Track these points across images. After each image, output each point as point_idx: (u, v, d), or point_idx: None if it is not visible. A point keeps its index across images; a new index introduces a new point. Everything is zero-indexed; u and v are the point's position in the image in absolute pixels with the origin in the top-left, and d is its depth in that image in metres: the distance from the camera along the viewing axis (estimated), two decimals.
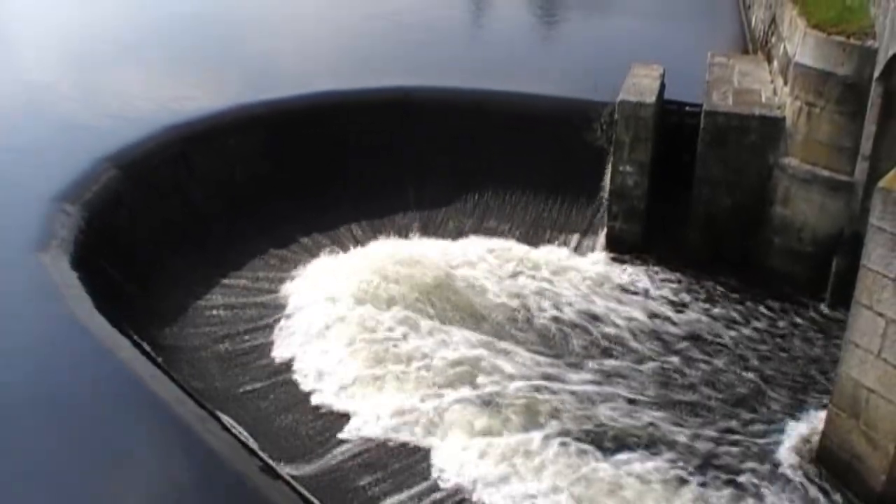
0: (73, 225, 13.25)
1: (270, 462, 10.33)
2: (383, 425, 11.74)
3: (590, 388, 12.56)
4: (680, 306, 14.70)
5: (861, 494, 10.42)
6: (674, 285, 15.24)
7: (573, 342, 13.74)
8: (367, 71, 20.01)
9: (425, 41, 23.45)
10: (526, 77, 19.54)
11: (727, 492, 10.74)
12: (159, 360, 11.63)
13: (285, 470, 10.65)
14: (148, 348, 11.71)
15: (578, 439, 11.41)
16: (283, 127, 17.47)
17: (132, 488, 9.03)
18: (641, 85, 16.02)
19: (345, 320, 13.64)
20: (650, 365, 13.21)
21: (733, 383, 12.82)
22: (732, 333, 13.99)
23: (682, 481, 10.86)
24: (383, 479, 10.96)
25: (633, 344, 13.72)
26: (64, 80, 19.81)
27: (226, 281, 15.14)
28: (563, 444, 11.29)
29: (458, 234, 16.92)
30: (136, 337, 11.69)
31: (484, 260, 15.74)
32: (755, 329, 14.10)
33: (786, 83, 14.86)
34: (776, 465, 11.18)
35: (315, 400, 12.37)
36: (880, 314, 9.74)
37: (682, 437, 11.63)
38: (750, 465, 11.17)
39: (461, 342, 13.27)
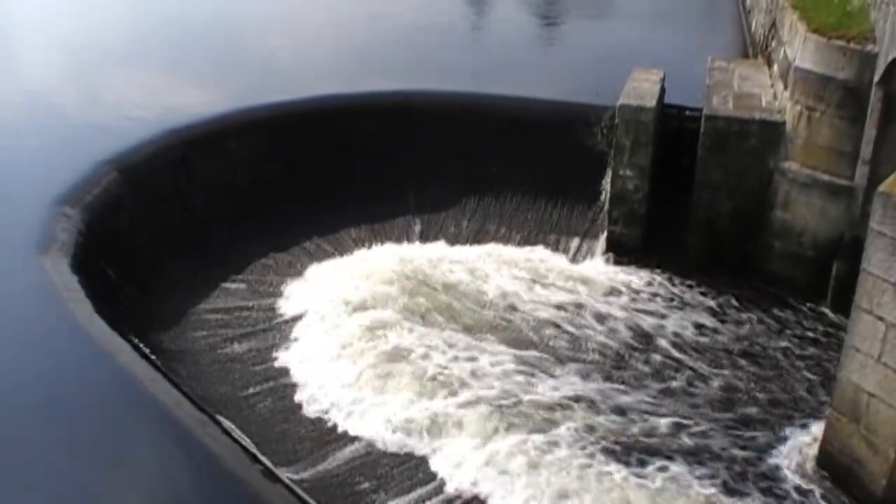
0: (73, 228, 13.25)
1: (270, 466, 10.31)
2: (384, 429, 11.74)
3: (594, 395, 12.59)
4: (679, 310, 14.69)
5: (862, 499, 10.40)
6: (673, 289, 15.23)
7: (574, 346, 13.73)
8: (368, 74, 20.01)
9: (426, 45, 23.46)
10: (526, 81, 19.54)
11: (727, 496, 10.72)
12: (159, 363, 11.61)
13: (285, 474, 10.64)
14: (148, 352, 11.70)
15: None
16: (284, 131, 17.48)
17: (132, 492, 9.02)
18: (642, 89, 16.03)
19: (345, 324, 13.65)
20: (650, 368, 13.22)
21: (735, 386, 12.83)
22: (732, 337, 13.98)
23: (682, 484, 10.85)
24: (384, 483, 10.95)
25: (634, 346, 13.72)
26: (65, 83, 19.83)
27: (226, 284, 15.15)
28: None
29: (458, 238, 16.93)
30: (135, 340, 11.69)
31: (484, 264, 15.73)
32: (755, 332, 14.09)
33: (786, 87, 14.86)
34: (775, 469, 11.16)
35: (315, 403, 12.36)
36: (880, 318, 9.73)
37: (681, 440, 11.63)
38: (748, 468, 11.15)
39: (461, 345, 13.27)
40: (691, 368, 13.24)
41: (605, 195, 16.23)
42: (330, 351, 13.21)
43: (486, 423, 11.62)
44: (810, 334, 13.98)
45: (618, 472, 10.96)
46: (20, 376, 10.28)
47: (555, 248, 16.65)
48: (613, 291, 15.21)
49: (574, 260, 16.30)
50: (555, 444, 11.30)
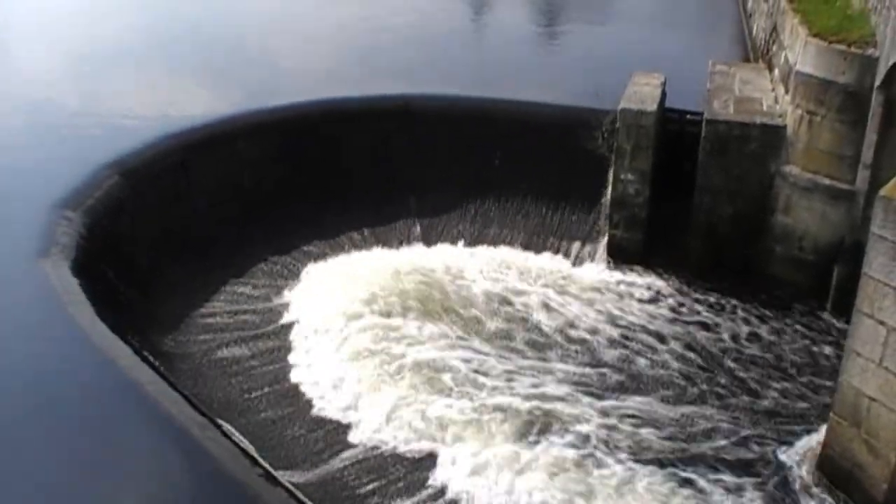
0: (74, 231, 13.25)
1: (271, 469, 10.30)
2: (386, 432, 11.76)
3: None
4: (679, 314, 14.69)
5: (863, 503, 10.40)
6: (673, 293, 15.23)
7: (576, 349, 13.73)
8: (371, 78, 20.02)
9: (428, 49, 23.47)
10: (527, 85, 19.53)
11: (728, 498, 10.72)
12: (160, 366, 11.61)
13: (286, 477, 10.63)
14: (148, 355, 11.70)
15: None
16: (286, 134, 17.47)
17: (132, 494, 9.01)
18: (643, 93, 16.04)
19: (346, 328, 13.66)
20: (651, 371, 13.22)
21: (736, 388, 12.83)
22: (732, 340, 13.99)
23: (682, 485, 10.85)
24: (386, 487, 10.95)
25: (635, 350, 13.71)
26: (66, 86, 19.83)
27: (227, 288, 15.14)
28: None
29: (459, 241, 16.90)
30: (136, 344, 11.68)
31: (484, 268, 15.73)
32: (756, 336, 14.09)
33: (787, 91, 14.87)
34: (775, 472, 11.15)
35: (316, 407, 12.38)
36: (881, 322, 9.73)
37: (680, 441, 11.62)
38: (748, 471, 11.15)
39: (463, 346, 13.29)
40: (690, 371, 13.24)
41: (606, 199, 16.23)
42: (332, 354, 13.22)
43: (487, 426, 11.62)
44: (811, 338, 13.98)
45: (613, 472, 11.02)
46: (21, 379, 10.28)
47: (556, 252, 16.64)
48: (614, 295, 15.20)
49: (575, 264, 16.28)
50: (544, 448, 11.32)
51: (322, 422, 12.12)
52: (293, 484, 10.55)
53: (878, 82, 12.87)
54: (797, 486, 10.95)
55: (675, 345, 13.92)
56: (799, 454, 11.45)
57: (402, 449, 11.57)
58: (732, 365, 13.43)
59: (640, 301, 15.07)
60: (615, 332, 14.19)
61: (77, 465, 9.25)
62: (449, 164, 17.72)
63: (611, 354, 13.66)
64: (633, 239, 16.00)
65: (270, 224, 16.49)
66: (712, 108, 15.44)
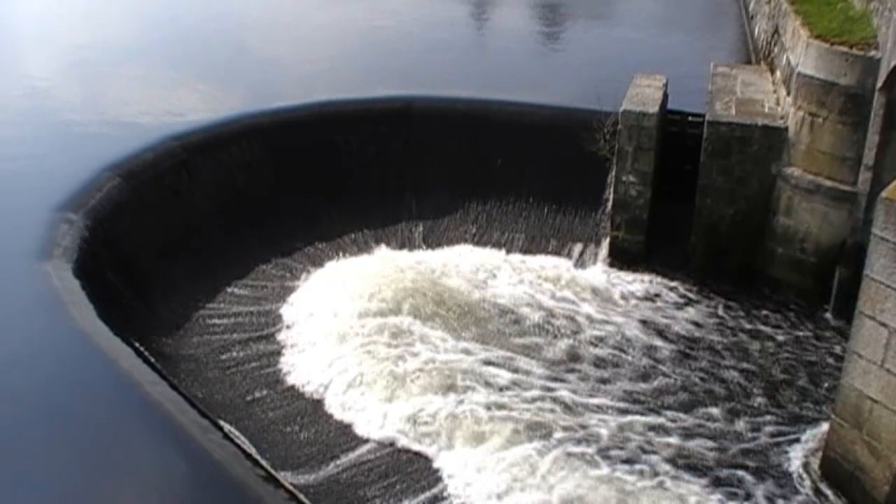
0: (76, 234, 13.25)
1: (273, 471, 10.30)
2: (387, 434, 11.76)
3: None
4: (680, 315, 14.70)
5: None
6: (675, 294, 15.24)
7: (578, 352, 13.73)
8: (370, 80, 20.04)
9: (427, 50, 23.49)
10: (528, 86, 19.55)
11: (728, 499, 10.71)
12: (161, 368, 11.61)
13: (287, 478, 10.63)
14: (150, 356, 11.70)
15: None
16: (286, 136, 17.49)
17: (133, 496, 9.01)
18: (644, 95, 16.05)
19: (347, 329, 13.65)
20: (652, 372, 13.23)
21: (737, 390, 12.83)
22: (734, 342, 13.99)
23: (683, 485, 10.84)
24: (389, 488, 10.94)
25: (636, 352, 13.71)
26: (67, 88, 19.85)
27: (228, 290, 15.14)
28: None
29: (460, 243, 16.91)
30: (138, 345, 11.68)
31: (486, 269, 15.73)
32: (757, 338, 14.09)
33: (788, 93, 14.87)
34: (779, 474, 11.15)
35: (317, 408, 12.38)
36: (883, 324, 9.73)
37: (682, 443, 11.63)
38: (750, 473, 11.14)
39: (462, 350, 13.29)
40: (690, 372, 13.24)
41: (608, 201, 16.24)
42: (332, 355, 13.21)
43: (489, 428, 11.62)
44: (812, 340, 13.97)
45: (609, 469, 11.03)
46: (22, 380, 10.27)
47: (557, 253, 16.65)
48: (615, 296, 15.20)
49: (577, 265, 16.29)
50: (546, 451, 11.30)
51: (324, 423, 12.12)
52: (295, 485, 10.54)
53: (879, 84, 12.87)
54: (799, 488, 10.91)
55: (674, 345, 13.91)
56: (800, 456, 11.42)
57: (404, 450, 11.55)
58: (732, 366, 13.41)
59: (641, 302, 15.06)
60: (615, 333, 14.19)
61: (78, 466, 9.25)
62: (450, 165, 17.74)
63: (610, 355, 13.65)
64: (635, 241, 16.01)
65: (272, 226, 16.51)
66: (714, 109, 15.44)
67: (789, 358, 13.62)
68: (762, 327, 14.38)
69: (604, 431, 11.79)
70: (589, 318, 14.55)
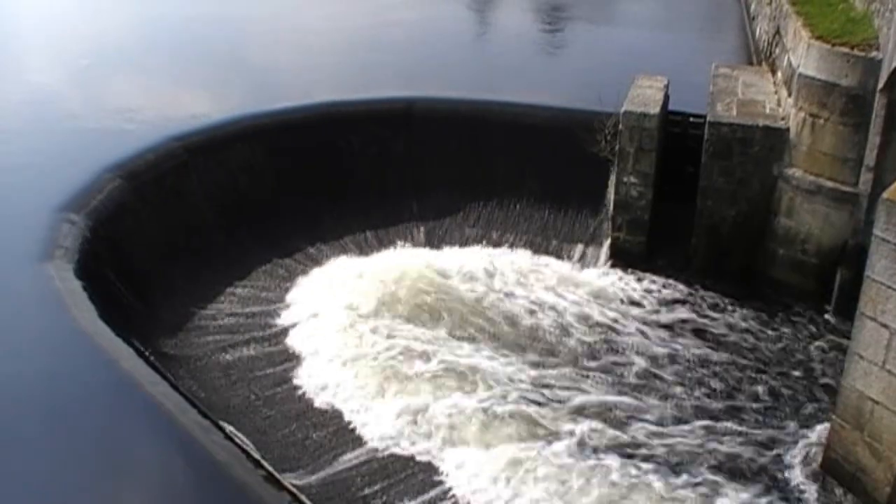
0: (77, 234, 13.27)
1: (274, 472, 10.31)
2: (388, 435, 11.75)
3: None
4: (681, 316, 14.70)
5: None
6: (676, 295, 15.23)
7: (574, 350, 13.74)
8: (371, 80, 20.05)
9: (429, 51, 23.50)
10: (530, 88, 19.57)
11: (731, 500, 10.71)
12: (162, 368, 11.62)
13: (289, 479, 10.63)
14: (151, 357, 11.71)
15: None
16: (288, 137, 17.50)
17: (134, 497, 9.02)
18: (645, 96, 16.05)
19: (348, 330, 13.67)
20: (651, 373, 13.22)
21: (737, 392, 12.83)
22: (735, 343, 13.99)
23: (684, 486, 10.85)
24: (390, 488, 10.94)
25: (638, 353, 13.72)
26: (68, 89, 19.87)
27: (230, 290, 15.15)
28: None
29: (461, 244, 16.92)
30: (139, 346, 11.70)
31: (486, 270, 15.72)
32: (758, 339, 14.09)
33: (790, 94, 14.87)
34: (780, 475, 11.14)
35: (319, 409, 12.38)
36: (884, 325, 9.73)
37: (683, 444, 11.62)
38: (751, 474, 11.15)
39: (465, 349, 13.31)
40: (690, 372, 13.24)
41: (609, 202, 16.24)
42: (333, 356, 13.23)
43: (491, 428, 11.62)
44: (813, 341, 13.97)
45: (618, 470, 11.02)
46: (24, 380, 10.29)
47: (558, 254, 16.65)
48: (616, 297, 15.20)
49: (578, 266, 16.28)
50: (557, 453, 11.30)
51: (325, 424, 12.12)
52: (296, 486, 10.55)
53: (880, 85, 12.87)
54: (800, 488, 10.91)
55: (673, 345, 13.91)
56: (802, 457, 11.42)
57: (406, 451, 11.56)
58: (733, 366, 13.41)
59: (641, 303, 15.06)
60: (615, 333, 14.20)
61: (79, 466, 9.26)
62: (451, 166, 17.74)
63: (610, 355, 13.66)
64: (636, 241, 16.00)
65: (273, 226, 16.51)
66: (715, 110, 15.44)
67: (789, 358, 13.61)
68: (763, 328, 14.36)
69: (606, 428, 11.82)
70: (588, 318, 14.54)
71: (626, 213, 15.88)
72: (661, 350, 13.81)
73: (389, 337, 13.50)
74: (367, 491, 10.97)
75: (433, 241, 17.01)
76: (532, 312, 14.60)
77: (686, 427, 12.05)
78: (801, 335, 14.15)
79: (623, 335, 14.17)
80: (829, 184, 14.07)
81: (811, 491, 10.84)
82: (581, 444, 11.51)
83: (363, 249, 16.58)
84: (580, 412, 12.17)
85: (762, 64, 19.51)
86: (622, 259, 16.05)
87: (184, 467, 9.56)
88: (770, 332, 14.26)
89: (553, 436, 11.64)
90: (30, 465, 9.09)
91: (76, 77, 20.85)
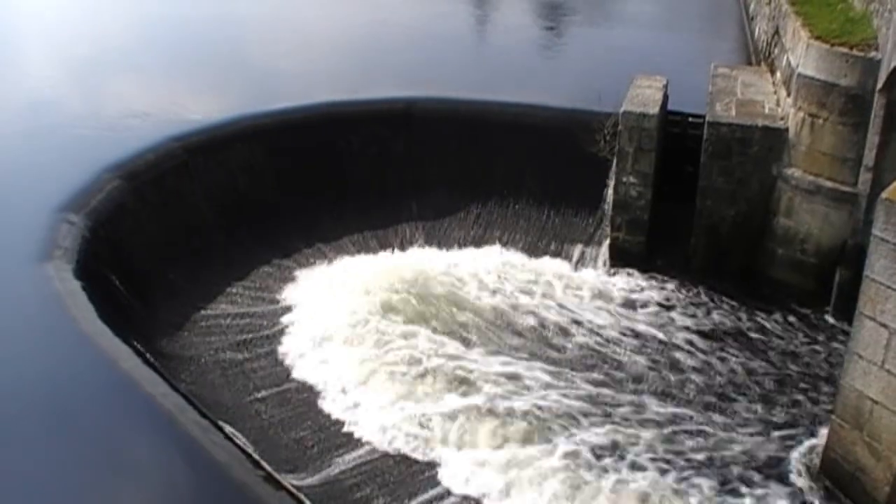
0: (76, 235, 13.26)
1: (273, 472, 10.30)
2: (388, 435, 11.75)
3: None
4: (680, 316, 14.70)
5: None
6: (675, 295, 15.24)
7: (574, 351, 13.74)
8: (371, 81, 20.05)
9: (428, 51, 23.50)
10: (529, 88, 19.56)
11: (727, 498, 10.71)
12: (162, 368, 11.62)
13: (289, 480, 10.63)
14: (151, 357, 11.71)
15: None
16: (287, 137, 17.49)
17: (134, 497, 9.02)
18: (645, 96, 16.05)
19: (348, 330, 13.65)
20: (650, 373, 13.23)
21: (737, 392, 12.83)
22: (735, 343, 14.00)
23: (684, 485, 10.86)
24: (389, 489, 10.94)
25: (640, 354, 13.72)
26: (67, 89, 19.87)
27: (229, 290, 15.15)
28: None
29: (461, 244, 16.92)
30: (139, 346, 11.69)
31: (486, 271, 15.73)
32: (758, 339, 14.10)
33: (789, 94, 14.88)
34: (779, 475, 11.15)
35: (318, 409, 12.37)
36: (884, 325, 9.73)
37: (684, 446, 11.62)
38: (752, 474, 11.15)
39: (465, 350, 13.30)
40: (690, 372, 13.26)
41: (608, 202, 16.24)
42: (333, 356, 13.22)
43: (490, 429, 11.63)
44: (813, 341, 13.98)
45: (611, 473, 11.01)
46: (23, 381, 10.29)
47: (557, 255, 16.65)
48: (616, 298, 15.20)
49: (577, 267, 16.30)
50: (550, 453, 11.30)
51: (325, 424, 12.12)
52: (296, 486, 10.54)
53: (879, 85, 12.88)
54: (799, 489, 10.91)
55: (672, 345, 13.92)
56: (802, 457, 11.42)
57: (405, 452, 11.56)
58: (732, 367, 13.41)
59: (640, 304, 15.06)
60: (614, 333, 14.21)
61: (78, 467, 9.26)
62: (450, 166, 17.75)
63: (609, 355, 13.65)
64: (636, 241, 16.00)
65: (272, 227, 16.51)
66: (714, 110, 15.45)
67: (789, 358, 13.61)
68: (763, 328, 14.38)
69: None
70: (587, 319, 14.55)
71: (626, 213, 15.88)
72: (660, 349, 13.82)
73: (390, 336, 13.49)
74: (366, 491, 10.96)
75: (432, 241, 17.00)
76: (530, 312, 14.60)
77: (684, 426, 12.04)
78: (800, 335, 14.15)
79: (622, 335, 14.17)
80: (829, 184, 14.08)
81: (810, 491, 10.84)
82: (581, 444, 11.52)
83: (363, 250, 16.58)
84: (580, 412, 12.18)
85: (761, 64, 19.52)
86: (621, 259, 16.05)
87: (183, 467, 9.56)
88: (769, 332, 14.27)
89: (555, 435, 11.65)
90: (29, 466, 9.09)
91: (75, 76, 20.85)
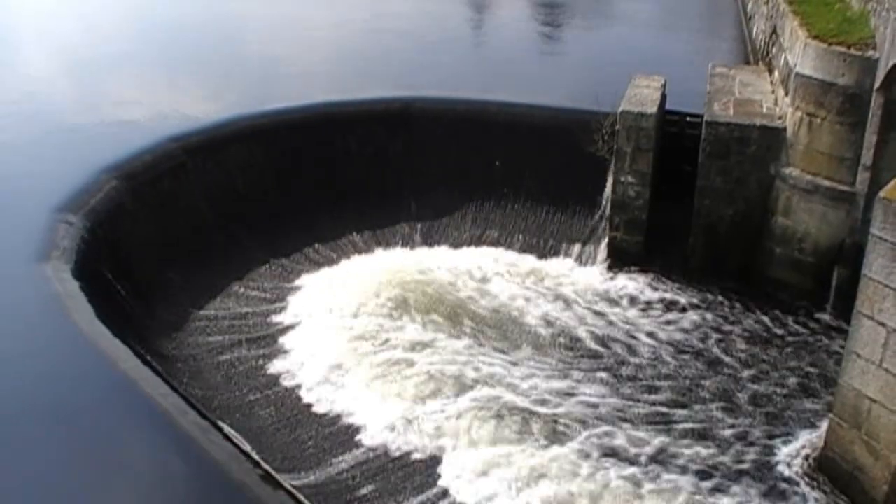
0: (75, 235, 13.25)
1: (272, 472, 10.30)
2: (387, 434, 11.76)
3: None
4: (680, 315, 14.72)
5: None
6: (674, 295, 15.25)
7: (574, 351, 13.76)
8: (369, 81, 20.06)
9: (426, 51, 23.51)
10: (527, 87, 19.57)
11: (727, 498, 10.71)
12: (160, 369, 11.62)
13: (287, 479, 10.63)
14: (149, 357, 11.71)
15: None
16: (285, 138, 17.50)
17: (133, 498, 9.02)
18: (643, 95, 16.06)
19: (347, 330, 13.67)
20: (650, 372, 13.23)
21: (736, 391, 12.83)
22: (733, 342, 14.00)
23: (680, 487, 10.86)
24: (388, 489, 10.95)
25: (641, 355, 13.73)
26: (66, 90, 19.87)
27: (228, 290, 15.16)
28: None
29: (459, 244, 16.94)
30: (137, 346, 11.69)
31: (485, 270, 15.74)
32: (756, 338, 14.11)
33: (787, 94, 14.89)
34: (777, 474, 11.15)
35: (317, 409, 12.38)
36: (882, 324, 9.74)
37: (684, 447, 11.63)
38: (751, 473, 11.16)
39: (464, 350, 13.30)
40: (690, 371, 13.27)
41: (607, 201, 16.25)
42: (332, 356, 13.23)
43: (489, 428, 11.63)
44: (811, 340, 13.98)
45: (617, 473, 11.01)
46: (22, 382, 10.28)
47: (556, 254, 16.67)
48: (615, 297, 15.22)
49: (575, 266, 16.30)
50: (554, 457, 11.30)
51: (324, 424, 12.12)
52: (294, 486, 10.54)
53: (877, 84, 12.88)
54: (796, 487, 10.92)
55: (673, 345, 13.92)
56: (799, 456, 11.43)
57: (404, 451, 11.57)
58: (731, 366, 13.42)
59: (640, 303, 15.08)
60: (614, 333, 14.21)
61: (77, 467, 9.25)
62: (449, 166, 17.76)
63: (609, 355, 13.66)
64: (634, 241, 16.01)
65: (270, 227, 16.51)
66: (712, 110, 15.46)
67: (788, 358, 13.62)
68: (761, 327, 14.39)
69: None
70: (586, 318, 14.56)
71: (624, 212, 15.89)
72: (659, 349, 13.82)
73: (389, 336, 13.50)
74: (365, 491, 10.97)
75: (431, 241, 17.03)
76: (530, 311, 14.61)
77: (683, 425, 12.06)
78: (798, 334, 14.15)
79: (621, 335, 14.18)
80: (826, 183, 14.09)
81: (808, 490, 10.84)
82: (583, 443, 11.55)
83: (361, 250, 16.59)
84: (580, 412, 12.20)
85: (759, 63, 19.53)
86: (620, 259, 16.06)
87: (181, 467, 9.55)
88: (768, 331, 14.27)
89: (557, 432, 11.68)
90: (28, 466, 9.08)
91: (74, 76, 20.86)
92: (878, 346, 9.82)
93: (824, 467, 11.00)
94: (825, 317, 14.36)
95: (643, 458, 11.33)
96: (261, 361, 13.49)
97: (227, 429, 11.03)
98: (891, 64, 12.29)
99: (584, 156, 16.29)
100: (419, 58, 22.78)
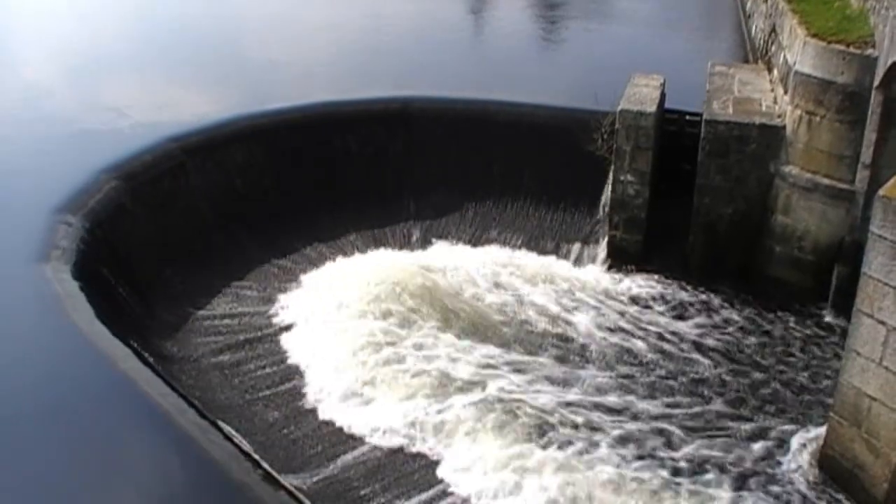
0: (75, 235, 13.25)
1: (273, 472, 10.31)
2: (388, 435, 11.75)
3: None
4: (679, 315, 14.72)
5: (863, 503, 10.40)
6: (673, 294, 15.25)
7: (574, 351, 13.75)
8: (368, 80, 20.06)
9: (425, 51, 23.52)
10: (527, 87, 19.58)
11: (727, 497, 10.72)
12: (160, 369, 11.62)
13: (288, 480, 10.63)
14: (149, 358, 11.71)
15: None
16: (285, 138, 17.51)
17: (133, 498, 9.02)
18: (642, 94, 16.06)
19: (347, 330, 13.64)
20: (650, 371, 13.24)
21: (736, 391, 12.84)
22: (733, 342, 14.00)
23: (681, 484, 10.87)
24: (389, 489, 10.94)
25: (641, 354, 13.73)
26: (65, 90, 19.86)
27: (227, 291, 15.14)
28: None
29: (458, 243, 16.93)
30: (137, 347, 11.69)
31: (484, 270, 15.73)
32: (756, 337, 14.11)
33: (786, 92, 14.89)
34: (778, 473, 11.15)
35: (318, 409, 12.36)
36: (881, 322, 9.74)
37: (684, 444, 11.63)
38: (751, 472, 11.16)
39: (464, 349, 13.29)
40: (690, 370, 13.26)
41: (606, 200, 16.25)
42: (332, 356, 13.20)
43: (488, 427, 11.63)
44: (811, 339, 13.99)
45: (614, 466, 11.03)
46: (21, 382, 10.28)
47: (556, 253, 16.67)
48: (614, 296, 15.21)
49: (575, 265, 16.31)
50: (553, 452, 11.31)
51: (324, 424, 12.11)
52: (295, 486, 10.54)
53: (876, 82, 12.88)
54: (797, 485, 10.92)
55: (673, 344, 13.92)
56: (799, 454, 11.43)
57: (405, 451, 11.56)
58: (729, 364, 13.43)
59: (639, 302, 15.08)
60: (613, 332, 14.22)
61: (77, 467, 9.25)
62: (448, 166, 17.77)
63: (608, 355, 13.67)
64: (633, 240, 16.02)
65: (270, 227, 16.51)
66: (711, 108, 15.46)
67: (788, 357, 13.63)
68: (761, 326, 14.39)
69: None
70: (586, 318, 14.55)
71: (623, 211, 15.90)
72: (658, 348, 13.82)
73: (388, 336, 13.49)
74: (366, 490, 10.96)
75: (430, 241, 17.01)
76: (529, 311, 14.61)
77: (682, 425, 12.06)
78: (798, 332, 14.16)
79: (619, 334, 14.18)
80: (826, 181, 14.09)
81: (808, 489, 10.84)
82: (581, 437, 11.55)
83: (360, 249, 16.57)
84: (580, 411, 12.21)
85: (758, 62, 19.54)
86: (619, 258, 16.07)
87: (182, 467, 9.56)
88: (767, 330, 14.28)
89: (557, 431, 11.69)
90: (28, 466, 9.08)
91: (73, 77, 20.85)
92: (878, 345, 9.82)
93: (824, 465, 11.01)
94: (825, 315, 14.36)
95: (640, 456, 11.33)
96: (261, 361, 13.47)
97: (227, 429, 11.03)
98: (890, 62, 12.29)
99: (583, 155, 16.29)
100: (418, 57, 22.79)
